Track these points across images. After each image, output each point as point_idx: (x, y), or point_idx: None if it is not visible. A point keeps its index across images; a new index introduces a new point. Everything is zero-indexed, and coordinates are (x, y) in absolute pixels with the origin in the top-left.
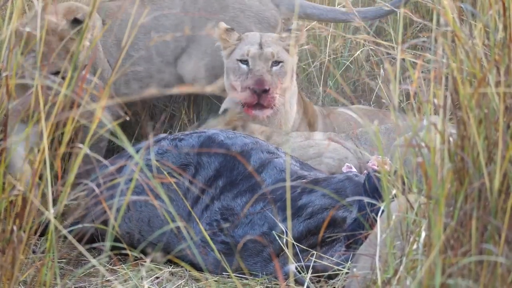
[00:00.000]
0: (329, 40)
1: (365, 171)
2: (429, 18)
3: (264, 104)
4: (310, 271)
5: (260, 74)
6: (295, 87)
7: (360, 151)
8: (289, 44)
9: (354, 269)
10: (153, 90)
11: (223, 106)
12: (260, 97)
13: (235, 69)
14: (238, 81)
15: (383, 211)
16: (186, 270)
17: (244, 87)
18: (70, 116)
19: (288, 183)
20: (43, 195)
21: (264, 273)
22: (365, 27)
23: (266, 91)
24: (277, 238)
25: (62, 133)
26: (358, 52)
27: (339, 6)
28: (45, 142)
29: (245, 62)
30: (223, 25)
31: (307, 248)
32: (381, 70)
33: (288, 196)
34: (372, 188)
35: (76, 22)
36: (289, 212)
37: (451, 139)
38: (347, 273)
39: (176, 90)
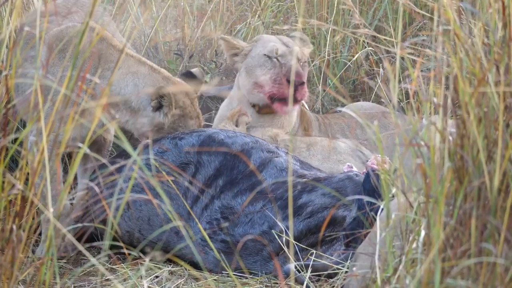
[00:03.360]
0: (328, 38)
1: (364, 170)
2: (429, 17)
3: (298, 98)
4: (309, 270)
5: (297, 67)
6: None
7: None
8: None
9: (354, 268)
10: (149, 89)
11: (224, 110)
12: (296, 89)
13: (262, 64)
14: (268, 75)
15: (382, 209)
16: (186, 269)
17: (278, 78)
18: (70, 115)
19: (290, 183)
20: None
21: (264, 272)
22: (365, 25)
23: (303, 84)
24: (277, 237)
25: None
26: (358, 54)
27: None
28: (44, 142)
29: (273, 57)
30: (226, 37)
31: (306, 247)
32: (381, 69)
33: (290, 193)
34: (371, 187)
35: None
36: (290, 210)
37: (450, 138)
38: (346, 272)
39: (172, 89)
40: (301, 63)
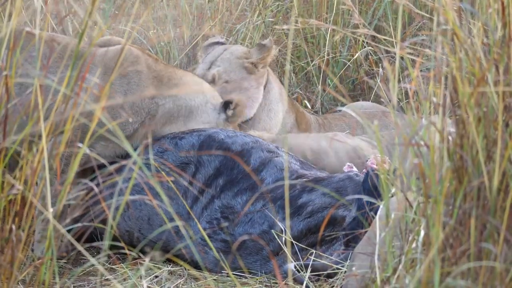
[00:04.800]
0: (328, 38)
1: (364, 170)
2: (428, 17)
3: None
4: (309, 269)
5: None
6: (279, 94)
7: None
8: (253, 61)
9: (353, 268)
10: (152, 91)
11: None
12: None
13: None
14: None
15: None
16: (185, 269)
17: None
18: (70, 115)
19: (286, 182)
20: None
21: (264, 271)
22: (364, 25)
23: None
24: (276, 237)
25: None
26: (358, 54)
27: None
28: (44, 142)
29: None
30: (208, 40)
31: (306, 247)
32: (380, 69)
33: (286, 195)
34: (371, 186)
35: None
36: (287, 211)
37: (450, 137)
38: (346, 271)
39: (175, 91)
40: (221, 86)
